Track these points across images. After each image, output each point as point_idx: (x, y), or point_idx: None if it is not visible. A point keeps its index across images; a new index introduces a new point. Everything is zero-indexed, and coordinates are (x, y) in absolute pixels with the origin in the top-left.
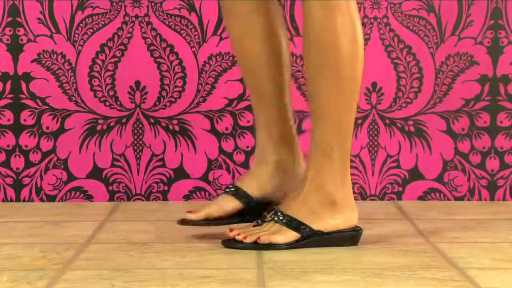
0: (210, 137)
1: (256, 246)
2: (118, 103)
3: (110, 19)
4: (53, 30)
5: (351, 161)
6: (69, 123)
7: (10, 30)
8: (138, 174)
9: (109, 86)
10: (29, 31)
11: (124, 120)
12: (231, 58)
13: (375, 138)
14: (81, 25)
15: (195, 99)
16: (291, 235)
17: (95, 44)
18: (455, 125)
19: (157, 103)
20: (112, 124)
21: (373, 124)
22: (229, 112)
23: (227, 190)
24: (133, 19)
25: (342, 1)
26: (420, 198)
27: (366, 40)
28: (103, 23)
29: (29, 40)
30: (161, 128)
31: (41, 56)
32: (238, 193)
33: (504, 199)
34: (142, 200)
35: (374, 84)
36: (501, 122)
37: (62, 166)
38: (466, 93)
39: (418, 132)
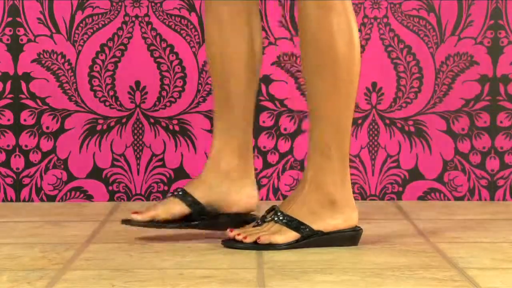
0: (210, 137)
1: (256, 246)
2: (118, 103)
3: (110, 19)
4: (53, 30)
5: (351, 161)
6: (69, 123)
7: (10, 30)
8: (138, 174)
9: (109, 86)
10: (29, 31)
11: (124, 120)
12: None
13: (375, 138)
14: (81, 25)
15: (195, 99)
16: (291, 235)
17: (95, 44)
18: (455, 125)
19: (157, 103)
20: (112, 124)
21: (373, 124)
22: None
23: (175, 193)
24: (133, 19)
25: (338, 1)
26: (420, 198)
27: (366, 40)
28: (103, 23)
29: (29, 40)
30: (161, 128)
31: (41, 56)
32: (185, 197)
33: (504, 199)
34: (142, 200)
35: (374, 84)
36: (501, 122)
37: (62, 166)
38: (466, 93)
39: (418, 132)
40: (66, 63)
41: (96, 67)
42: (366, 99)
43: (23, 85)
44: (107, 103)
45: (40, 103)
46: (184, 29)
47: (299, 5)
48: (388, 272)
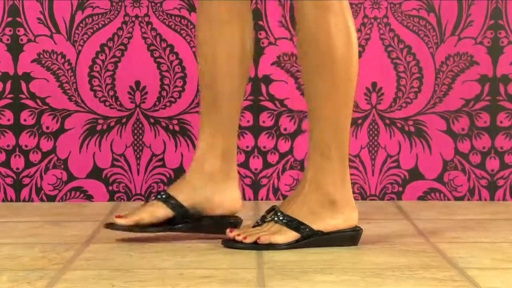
0: None
1: (256, 246)
2: (118, 103)
3: (110, 19)
4: (53, 30)
5: (351, 161)
6: (69, 123)
7: (10, 30)
8: (138, 174)
9: (109, 86)
10: (29, 31)
11: (124, 120)
12: None
13: (375, 138)
14: (81, 25)
15: (195, 99)
16: (291, 235)
17: (95, 44)
18: (455, 125)
19: (157, 103)
20: (112, 124)
21: (373, 124)
22: None
23: (159, 196)
24: (133, 19)
25: (335, 1)
26: (420, 198)
27: (366, 40)
28: (103, 23)
29: (29, 40)
30: (161, 128)
31: (41, 56)
32: (169, 200)
33: (504, 199)
34: (142, 200)
35: (374, 84)
36: (501, 122)
37: (62, 166)
38: (466, 93)
39: (418, 132)
40: (66, 63)
41: (96, 67)
42: (366, 99)
43: (23, 85)
44: (107, 103)
45: (40, 103)
46: (184, 29)
47: (296, 5)
48: (388, 272)
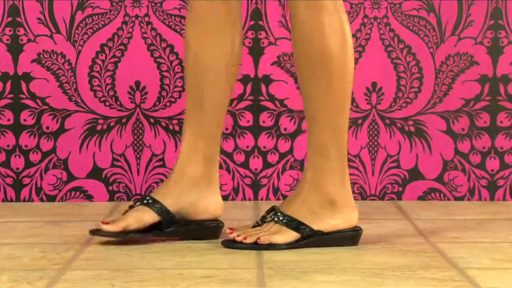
0: None
1: (256, 246)
2: (118, 103)
3: (110, 19)
4: (53, 30)
5: (351, 161)
6: (69, 123)
7: (10, 30)
8: (138, 174)
9: (109, 86)
10: (29, 31)
11: (124, 120)
12: None
13: (375, 138)
14: (81, 25)
15: None
16: (291, 235)
17: (95, 44)
18: (455, 125)
19: (157, 103)
20: (112, 124)
21: (373, 124)
22: (229, 112)
23: (144, 201)
24: (133, 19)
25: (329, 1)
26: (420, 198)
27: (366, 40)
28: (103, 23)
29: (29, 40)
30: (161, 128)
31: (41, 56)
32: (155, 205)
33: (504, 199)
34: None
35: (374, 84)
36: (501, 122)
37: (62, 166)
38: (466, 93)
39: (418, 132)
40: (66, 63)
41: (96, 67)
42: (366, 99)
43: (23, 85)
44: (107, 103)
45: (40, 103)
46: (184, 29)
47: (289, 5)
48: (388, 272)
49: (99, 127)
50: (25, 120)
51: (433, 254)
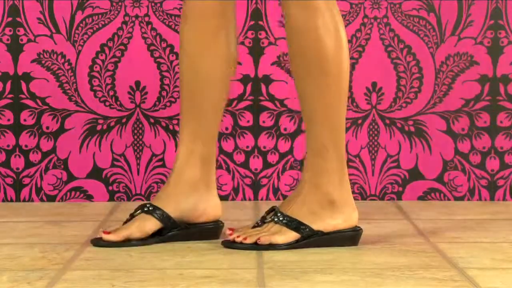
0: None
1: (256, 247)
2: (118, 103)
3: (110, 19)
4: (53, 30)
5: (351, 161)
6: (69, 123)
7: (10, 30)
8: (138, 174)
9: (109, 86)
10: (29, 31)
11: (124, 120)
12: None
13: (375, 138)
14: (81, 25)
15: None
16: (291, 236)
17: (95, 44)
18: (455, 125)
19: (157, 103)
20: (112, 124)
21: (373, 124)
22: (229, 112)
23: (145, 209)
24: (133, 19)
25: (321, 1)
26: (420, 198)
27: (366, 40)
28: (103, 23)
29: (29, 40)
30: (161, 128)
31: (41, 56)
32: (156, 212)
33: (504, 199)
34: (142, 200)
35: (374, 84)
36: (501, 122)
37: (62, 166)
38: (466, 93)
39: (418, 132)
40: (66, 63)
41: (96, 67)
42: (366, 99)
43: (23, 85)
44: (107, 103)
45: (40, 103)
46: None
47: (282, 6)
48: (388, 272)
49: (99, 127)
50: (25, 120)
51: (433, 254)
